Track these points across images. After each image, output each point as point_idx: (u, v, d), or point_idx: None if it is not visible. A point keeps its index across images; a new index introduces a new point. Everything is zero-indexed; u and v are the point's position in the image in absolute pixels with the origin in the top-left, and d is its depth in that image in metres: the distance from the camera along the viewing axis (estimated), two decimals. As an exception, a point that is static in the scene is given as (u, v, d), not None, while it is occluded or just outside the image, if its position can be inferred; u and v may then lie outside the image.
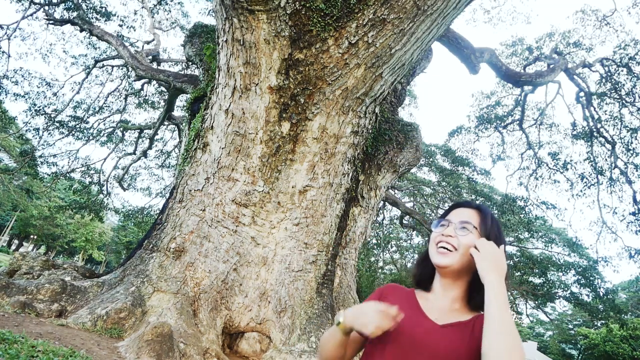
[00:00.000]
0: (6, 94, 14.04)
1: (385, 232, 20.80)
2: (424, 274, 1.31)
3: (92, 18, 12.21)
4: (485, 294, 1.05)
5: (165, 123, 14.97)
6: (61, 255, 49.81)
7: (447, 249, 1.20)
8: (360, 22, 4.64)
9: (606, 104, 11.82)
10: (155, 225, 5.86)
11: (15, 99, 14.58)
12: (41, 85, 14.61)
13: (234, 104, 5.20)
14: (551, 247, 17.35)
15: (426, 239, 16.98)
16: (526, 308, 20.90)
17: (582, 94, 11.31)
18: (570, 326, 39.53)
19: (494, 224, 1.24)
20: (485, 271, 1.08)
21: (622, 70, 11.14)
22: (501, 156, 14.08)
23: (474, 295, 1.21)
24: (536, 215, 14.43)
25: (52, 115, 14.63)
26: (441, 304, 1.22)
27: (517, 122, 12.97)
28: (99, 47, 14.59)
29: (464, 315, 1.19)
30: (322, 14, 4.63)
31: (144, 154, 15.74)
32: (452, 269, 1.20)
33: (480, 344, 1.07)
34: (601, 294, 15.41)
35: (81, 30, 11.94)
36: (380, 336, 1.12)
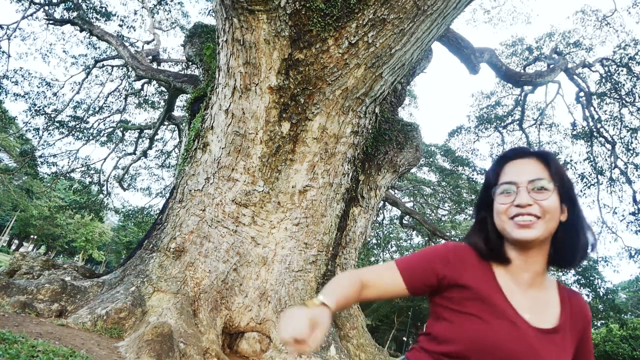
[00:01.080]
0: (6, 94, 14.04)
1: (385, 232, 20.81)
2: (493, 247, 1.05)
3: (92, 18, 12.21)
4: None
5: (165, 123, 14.97)
6: (61, 255, 49.81)
7: (530, 220, 0.97)
8: (360, 22, 4.64)
9: (606, 104, 11.82)
10: (155, 225, 5.86)
11: (15, 99, 14.61)
12: (41, 85, 14.61)
13: (234, 104, 5.20)
14: (551, 247, 17.35)
15: (426, 239, 16.98)
16: (526, 308, 20.91)
17: (582, 94, 11.32)
18: (570, 326, 39.49)
19: (562, 167, 1.03)
20: None
21: (622, 70, 11.14)
22: (501, 156, 14.05)
23: (562, 257, 1.04)
24: (536, 215, 14.44)
25: (52, 115, 14.64)
26: (523, 282, 1.02)
27: (517, 122, 12.97)
28: (99, 47, 14.60)
29: (551, 297, 1.04)
30: (322, 14, 4.64)
31: (144, 154, 15.74)
32: (538, 241, 0.99)
33: (575, 344, 1.00)
34: (601, 294, 15.41)
35: (81, 30, 11.94)
36: (467, 336, 0.95)
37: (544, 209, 0.97)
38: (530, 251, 1.01)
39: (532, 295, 1.02)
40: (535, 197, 0.97)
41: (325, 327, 0.89)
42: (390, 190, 14.67)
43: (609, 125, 11.64)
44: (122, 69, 15.03)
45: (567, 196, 1.01)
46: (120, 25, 13.40)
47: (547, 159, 1.02)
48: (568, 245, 1.02)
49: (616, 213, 12.16)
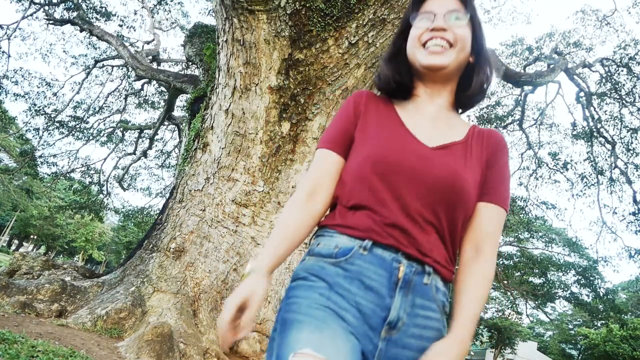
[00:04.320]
0: (6, 94, 14.04)
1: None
2: (401, 79, 1.05)
3: (92, 18, 12.21)
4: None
5: (165, 123, 14.96)
6: (61, 255, 49.81)
7: (442, 45, 0.97)
8: (360, 22, 4.64)
9: (606, 104, 11.82)
10: (155, 225, 5.86)
11: (15, 99, 14.59)
12: (41, 85, 14.60)
13: (234, 104, 5.20)
14: (551, 247, 17.36)
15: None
16: (526, 308, 20.91)
17: (582, 94, 11.31)
18: (570, 326, 39.53)
19: (476, 9, 1.04)
20: None
21: (622, 70, 11.14)
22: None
23: (462, 97, 1.06)
24: (536, 215, 14.44)
25: (52, 115, 14.63)
26: (427, 114, 1.02)
27: (517, 122, 12.96)
28: (99, 47, 14.59)
29: (456, 127, 1.03)
30: (322, 14, 4.63)
31: (144, 154, 15.73)
32: (447, 71, 0.99)
33: (483, 166, 0.98)
34: (601, 294, 15.42)
35: (81, 30, 11.93)
36: (361, 158, 0.94)
37: (456, 37, 0.98)
38: (436, 84, 1.03)
39: (434, 124, 1.01)
40: (451, 24, 0.98)
41: (255, 302, 0.84)
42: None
43: (609, 125, 11.64)
44: (122, 69, 15.02)
45: (476, 38, 1.03)
46: (120, 25, 13.40)
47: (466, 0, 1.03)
48: (469, 86, 1.04)
49: (616, 213, 12.16)
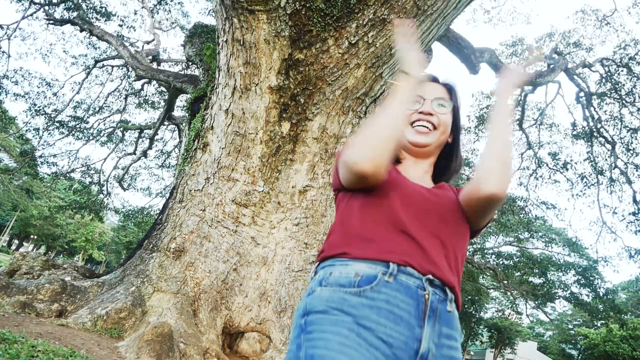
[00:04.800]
0: (6, 94, 14.04)
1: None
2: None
3: (92, 18, 12.20)
4: (499, 110, 1.07)
5: (165, 123, 14.96)
6: (61, 255, 49.81)
7: (427, 127, 1.15)
8: (360, 22, 4.64)
9: (606, 104, 11.82)
10: (155, 225, 5.86)
11: (15, 99, 14.61)
12: (41, 85, 14.60)
13: (234, 104, 5.20)
14: (551, 247, 17.35)
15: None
16: (526, 308, 20.91)
17: (582, 94, 11.31)
18: (570, 326, 39.53)
19: (459, 100, 1.23)
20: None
21: (622, 70, 11.14)
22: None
23: (442, 174, 1.24)
24: (536, 215, 14.43)
25: (52, 115, 14.63)
26: (413, 175, 1.17)
27: (517, 122, 12.96)
28: (99, 47, 14.59)
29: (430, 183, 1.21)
30: (322, 14, 4.63)
31: (144, 154, 15.73)
32: (429, 149, 1.17)
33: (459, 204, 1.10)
34: (601, 294, 15.42)
35: (81, 30, 11.93)
36: (380, 191, 1.03)
37: (440, 121, 1.15)
38: (419, 156, 1.19)
39: (423, 178, 1.19)
40: (437, 110, 1.15)
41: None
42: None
43: (609, 125, 11.64)
44: (122, 69, 15.02)
45: (456, 124, 1.21)
46: (120, 25, 13.40)
47: (451, 89, 1.21)
48: (448, 161, 1.24)
49: (616, 213, 12.15)
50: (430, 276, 0.87)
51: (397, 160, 1.23)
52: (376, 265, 0.87)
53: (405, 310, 0.83)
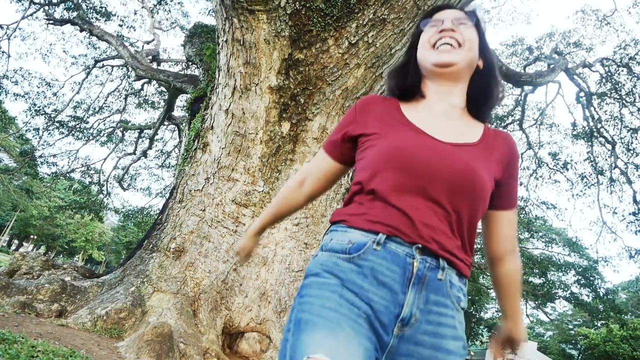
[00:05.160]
0: (6, 94, 14.04)
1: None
2: (409, 83, 1.10)
3: (92, 18, 12.20)
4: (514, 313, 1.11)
5: (165, 123, 14.96)
6: (61, 255, 49.80)
7: (451, 44, 1.02)
8: (360, 22, 4.64)
9: (606, 104, 11.81)
10: (155, 225, 5.86)
11: (15, 99, 14.60)
12: (41, 85, 14.60)
13: (234, 104, 5.20)
14: (551, 247, 17.35)
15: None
16: (526, 308, 20.90)
17: (582, 94, 11.31)
18: (570, 326, 39.53)
19: (480, 18, 1.10)
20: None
21: (622, 70, 11.14)
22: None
23: (479, 104, 1.08)
24: (536, 215, 14.43)
25: (52, 115, 14.62)
26: (437, 113, 1.03)
27: (518, 122, 12.97)
28: (99, 47, 14.59)
29: (470, 130, 1.03)
30: (322, 14, 4.63)
31: (144, 154, 15.72)
32: (457, 69, 1.02)
33: (502, 170, 1.01)
34: (601, 294, 15.41)
35: (81, 30, 11.93)
36: (376, 154, 0.96)
37: (464, 37, 1.03)
38: (446, 82, 1.04)
39: (446, 122, 1.02)
40: (458, 27, 1.03)
41: (246, 254, 1.32)
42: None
43: (609, 125, 11.63)
44: (122, 69, 15.01)
45: (483, 45, 1.08)
46: (120, 25, 13.40)
47: (468, 12, 1.09)
48: (482, 91, 1.07)
49: (616, 213, 12.15)
50: (419, 245, 0.87)
51: (417, 92, 1.09)
52: (368, 233, 0.90)
53: (389, 276, 0.85)
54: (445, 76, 1.03)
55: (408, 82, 1.09)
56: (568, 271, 16.33)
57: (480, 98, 1.07)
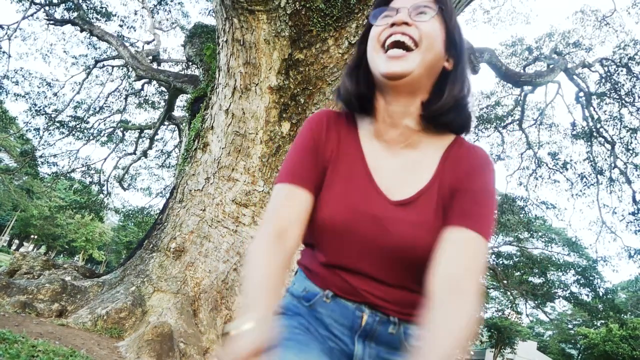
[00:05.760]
0: (7, 94, 14.05)
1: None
2: (362, 92, 0.88)
3: (93, 18, 12.21)
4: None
5: (166, 123, 14.97)
6: (61, 255, 49.80)
7: (403, 43, 0.79)
8: (360, 22, 4.65)
9: (606, 104, 11.82)
10: (155, 225, 5.87)
11: (16, 99, 14.59)
12: (41, 86, 14.61)
13: (234, 104, 5.21)
14: (551, 247, 17.36)
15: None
16: (526, 308, 20.91)
17: (581, 94, 11.32)
18: (570, 326, 39.54)
19: (451, 4, 0.85)
20: None
21: (621, 70, 11.14)
22: (501, 156, 14.09)
23: (441, 116, 0.84)
24: (536, 215, 14.44)
25: (53, 115, 14.63)
26: (390, 144, 0.86)
27: (517, 122, 12.98)
28: (99, 47, 14.59)
29: (425, 159, 0.85)
30: (322, 14, 4.64)
31: (144, 154, 15.73)
32: (412, 79, 0.80)
33: (446, 201, 0.82)
34: (601, 293, 15.42)
35: (81, 31, 11.94)
36: (321, 213, 0.84)
37: (421, 33, 0.79)
38: (400, 97, 0.82)
39: (402, 158, 0.86)
40: (415, 19, 0.80)
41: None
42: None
43: (608, 125, 11.64)
44: (122, 69, 15.02)
45: (451, 39, 0.84)
46: (121, 26, 13.40)
47: None
48: (449, 99, 0.84)
49: (616, 213, 12.17)
50: (368, 303, 0.83)
51: (367, 107, 0.89)
52: (319, 288, 0.89)
53: (337, 329, 0.85)
54: (398, 89, 0.82)
55: (361, 90, 0.88)
56: (568, 271, 16.35)
57: (444, 108, 0.83)
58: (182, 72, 12.82)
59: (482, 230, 0.77)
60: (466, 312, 0.70)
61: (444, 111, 0.83)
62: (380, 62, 0.81)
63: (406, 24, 0.80)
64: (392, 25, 0.81)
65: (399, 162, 0.86)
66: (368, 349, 0.83)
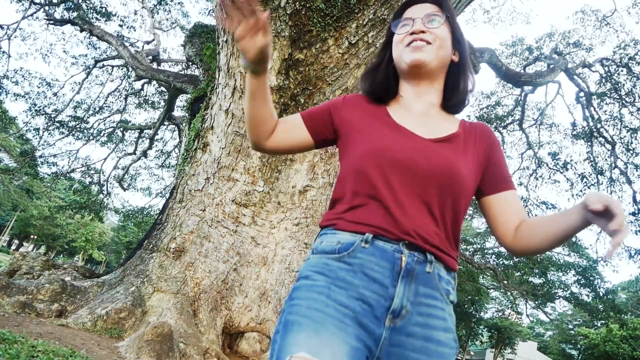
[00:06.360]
0: (6, 94, 14.04)
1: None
2: (382, 85, 1.14)
3: (92, 18, 12.21)
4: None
5: (165, 123, 14.96)
6: (61, 255, 49.80)
7: (423, 41, 1.05)
8: (360, 22, 4.64)
9: (606, 104, 11.82)
10: (155, 225, 5.86)
11: (16, 99, 14.59)
12: (41, 85, 14.60)
13: (234, 104, 5.20)
14: (551, 247, 17.32)
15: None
16: (526, 308, 20.90)
17: (582, 94, 11.31)
18: (570, 326, 39.54)
19: (452, 10, 1.12)
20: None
21: (622, 70, 11.14)
22: (501, 156, 14.03)
23: (451, 98, 1.11)
24: (536, 215, 14.41)
25: (52, 115, 14.63)
26: (417, 112, 1.07)
27: (517, 122, 12.97)
28: (99, 47, 14.58)
29: (449, 126, 1.07)
30: (322, 14, 4.63)
31: (144, 154, 15.73)
32: (430, 67, 1.05)
33: (482, 161, 1.04)
34: (601, 294, 15.42)
35: (81, 31, 11.94)
36: (359, 153, 0.98)
37: (435, 35, 1.05)
38: (422, 82, 1.08)
39: (425, 120, 1.06)
40: (428, 26, 1.05)
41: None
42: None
43: (609, 125, 11.64)
44: (122, 69, 15.01)
45: (456, 38, 1.11)
46: (121, 26, 13.39)
47: (440, 2, 1.10)
48: (456, 85, 1.11)
49: (616, 213, 12.13)
50: (406, 241, 0.90)
51: (394, 93, 1.13)
52: (356, 234, 0.92)
53: (378, 272, 0.88)
54: (420, 76, 1.07)
55: (385, 83, 1.13)
56: (568, 271, 16.34)
57: (455, 92, 1.10)
58: (182, 72, 12.81)
59: (515, 187, 1.08)
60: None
61: (460, 100, 1.11)
62: (405, 55, 1.06)
63: (422, 32, 1.05)
64: (412, 33, 1.06)
65: (424, 122, 1.05)
66: (407, 289, 0.88)
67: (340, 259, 0.91)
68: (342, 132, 1.08)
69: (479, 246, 19.22)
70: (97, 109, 15.58)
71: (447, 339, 0.89)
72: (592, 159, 11.88)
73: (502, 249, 18.19)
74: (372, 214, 0.93)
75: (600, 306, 15.74)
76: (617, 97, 11.24)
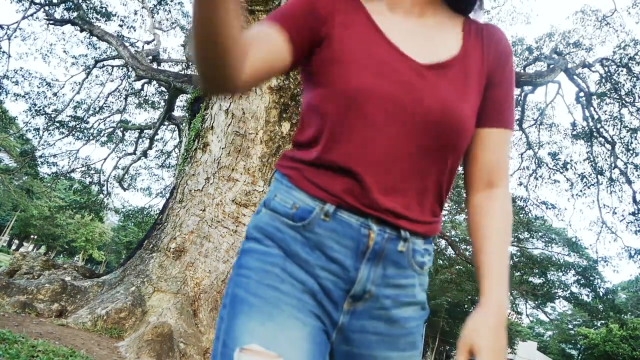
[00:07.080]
0: (6, 94, 14.05)
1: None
2: None
3: (93, 18, 12.21)
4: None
5: (165, 123, 14.96)
6: (61, 255, 49.81)
7: None
8: (360, 22, 4.65)
9: (606, 104, 11.82)
10: (155, 225, 5.87)
11: (16, 99, 14.60)
12: (41, 86, 14.60)
13: (234, 104, 5.21)
14: (551, 247, 17.36)
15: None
16: (526, 308, 20.92)
17: (582, 94, 11.32)
18: (570, 326, 39.56)
19: None
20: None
21: (622, 71, 11.14)
22: (501, 156, 14.05)
23: None
24: (536, 215, 14.43)
25: (53, 115, 14.63)
26: (408, 11, 0.80)
27: (517, 122, 12.97)
28: (99, 47, 14.59)
29: (448, 33, 0.81)
30: (322, 14, 4.64)
31: (144, 154, 15.72)
32: None
33: (483, 83, 0.79)
34: (601, 294, 15.42)
35: (81, 31, 11.94)
36: (328, 89, 0.73)
37: None
38: None
39: (420, 27, 0.80)
40: None
41: None
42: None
43: (608, 125, 11.64)
44: (122, 69, 15.02)
45: None
46: (121, 26, 13.40)
47: None
48: None
49: (616, 213, 12.16)
50: (376, 215, 0.71)
51: None
52: (314, 200, 0.73)
53: (339, 252, 0.71)
54: None
55: None
56: (568, 271, 16.34)
57: None
58: (182, 72, 12.81)
59: (511, 124, 0.82)
60: (506, 204, 0.79)
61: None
62: None
63: None
64: None
65: (418, 30, 0.79)
66: (373, 272, 0.72)
67: (295, 228, 0.73)
68: (320, 45, 0.77)
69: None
70: (97, 109, 15.58)
71: (414, 311, 0.76)
72: (592, 159, 11.89)
73: (502, 249, 18.11)
74: (335, 177, 0.72)
75: (600, 306, 15.75)
76: (617, 97, 11.25)
